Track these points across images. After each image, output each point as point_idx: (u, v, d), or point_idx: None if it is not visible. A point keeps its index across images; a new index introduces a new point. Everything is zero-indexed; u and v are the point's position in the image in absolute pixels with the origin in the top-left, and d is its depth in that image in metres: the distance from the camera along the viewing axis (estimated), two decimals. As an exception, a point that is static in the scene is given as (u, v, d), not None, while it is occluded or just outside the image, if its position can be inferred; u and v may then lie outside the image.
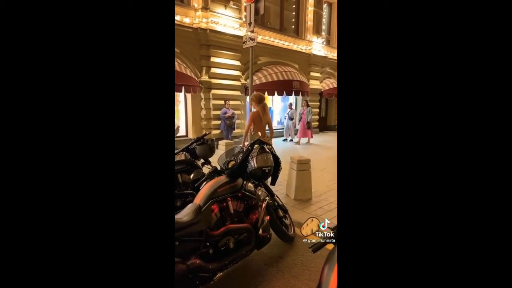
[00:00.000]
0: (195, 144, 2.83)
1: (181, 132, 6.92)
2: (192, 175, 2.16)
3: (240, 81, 7.64)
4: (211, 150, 2.84)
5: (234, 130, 7.07)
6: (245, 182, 1.99)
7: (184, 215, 1.68)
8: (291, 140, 8.49)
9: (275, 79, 7.84)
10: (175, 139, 6.46)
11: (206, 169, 2.87)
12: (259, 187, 2.22)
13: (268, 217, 2.01)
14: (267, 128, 3.81)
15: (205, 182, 2.16)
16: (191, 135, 7.20)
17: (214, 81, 6.98)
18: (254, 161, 1.87)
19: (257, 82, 7.73)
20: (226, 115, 6.80)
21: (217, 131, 7.11)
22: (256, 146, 1.95)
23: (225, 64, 7.14)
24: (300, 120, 8.19)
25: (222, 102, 7.04)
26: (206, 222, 1.72)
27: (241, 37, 7.17)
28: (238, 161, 2.00)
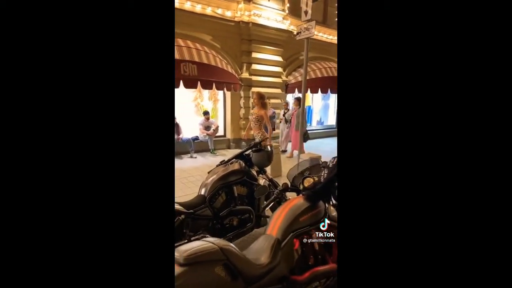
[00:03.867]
0: (250, 150, 2.42)
1: (220, 132, 6.64)
2: (256, 192, 1.74)
3: (281, 78, 7.16)
4: (269, 159, 2.42)
5: (274, 130, 6.62)
6: (327, 207, 1.53)
7: (258, 252, 1.25)
8: (284, 151, 6.28)
9: (319, 75, 7.22)
10: (214, 139, 6.21)
11: (260, 179, 2.47)
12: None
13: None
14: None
15: (270, 202, 1.74)
16: (229, 135, 6.90)
17: (254, 78, 6.58)
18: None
19: (299, 78, 7.19)
20: (266, 114, 6.37)
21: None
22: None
23: (266, 60, 6.69)
24: (290, 125, 6.02)
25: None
26: (288, 264, 1.28)
27: (284, 30, 6.69)
28: (322, 179, 1.54)
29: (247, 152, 2.43)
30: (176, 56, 4.75)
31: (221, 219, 2.08)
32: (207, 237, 1.93)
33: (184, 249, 1.03)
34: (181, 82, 4.76)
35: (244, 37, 6.30)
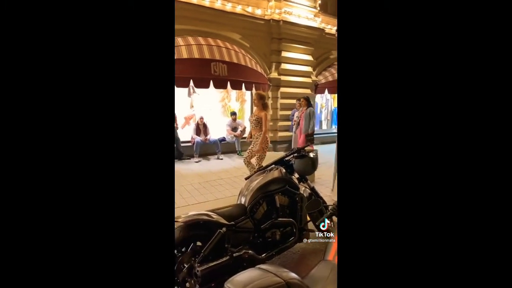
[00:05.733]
0: (292, 156, 2.21)
1: (246, 133, 6.48)
2: (308, 205, 1.52)
3: (311, 78, 6.87)
4: (313, 166, 2.19)
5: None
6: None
7: (323, 285, 1.05)
8: None
9: (350, 75, 6.86)
10: (240, 140, 6.08)
11: (300, 188, 2.25)
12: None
13: None
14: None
15: (327, 217, 1.51)
16: (255, 137, 6.74)
17: (283, 78, 6.36)
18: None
19: (330, 79, 6.87)
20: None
21: (283, 133, 6.51)
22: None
23: (296, 59, 6.44)
24: (297, 128, 5.24)
25: (291, 101, 6.38)
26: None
27: (315, 28, 6.42)
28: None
29: (287, 158, 2.22)
30: (207, 55, 4.65)
31: (263, 232, 1.89)
32: (250, 253, 1.76)
33: (243, 282, 0.85)
34: (211, 82, 4.66)
35: (274, 36, 6.10)
